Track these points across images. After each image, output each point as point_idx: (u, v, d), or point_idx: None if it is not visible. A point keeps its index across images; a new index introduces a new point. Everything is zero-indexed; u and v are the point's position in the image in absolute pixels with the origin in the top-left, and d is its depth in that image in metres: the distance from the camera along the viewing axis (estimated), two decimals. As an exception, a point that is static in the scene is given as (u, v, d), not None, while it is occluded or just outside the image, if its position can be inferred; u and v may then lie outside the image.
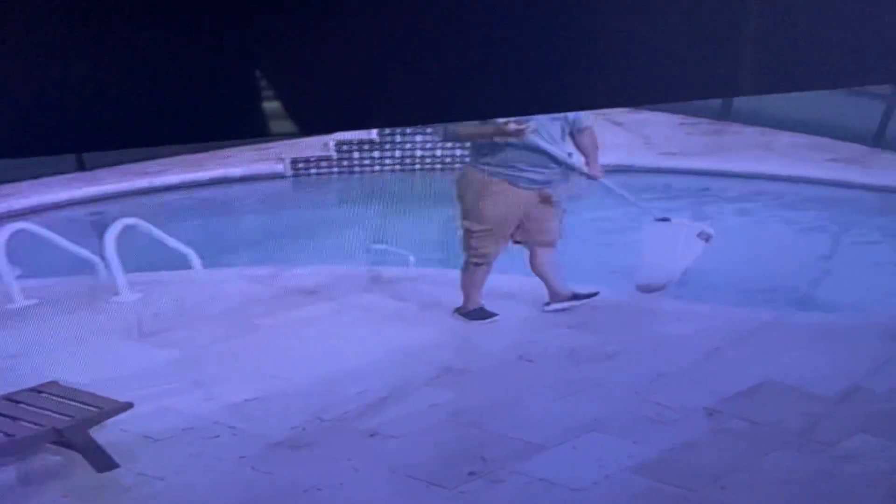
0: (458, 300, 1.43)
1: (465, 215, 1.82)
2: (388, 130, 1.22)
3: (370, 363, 1.45)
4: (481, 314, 1.83)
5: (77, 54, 0.94)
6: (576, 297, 1.88)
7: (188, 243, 1.37)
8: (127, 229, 1.40)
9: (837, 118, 1.61)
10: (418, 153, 1.23)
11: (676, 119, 1.48)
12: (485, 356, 1.54)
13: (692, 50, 1.32)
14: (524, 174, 1.78)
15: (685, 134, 1.50)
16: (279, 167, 1.19)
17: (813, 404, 1.80)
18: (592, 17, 1.19)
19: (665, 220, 1.66)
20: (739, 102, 1.57)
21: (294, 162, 1.17)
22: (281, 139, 1.02)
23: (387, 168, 1.23)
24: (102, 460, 1.42)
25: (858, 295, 1.78)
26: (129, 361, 1.47)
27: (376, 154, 1.20)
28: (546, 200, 1.90)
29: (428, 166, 1.27)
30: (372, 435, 1.44)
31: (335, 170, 1.21)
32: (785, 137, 1.61)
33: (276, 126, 1.08)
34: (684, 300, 1.62)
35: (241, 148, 1.16)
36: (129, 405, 1.44)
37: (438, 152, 1.24)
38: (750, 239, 1.66)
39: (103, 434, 1.44)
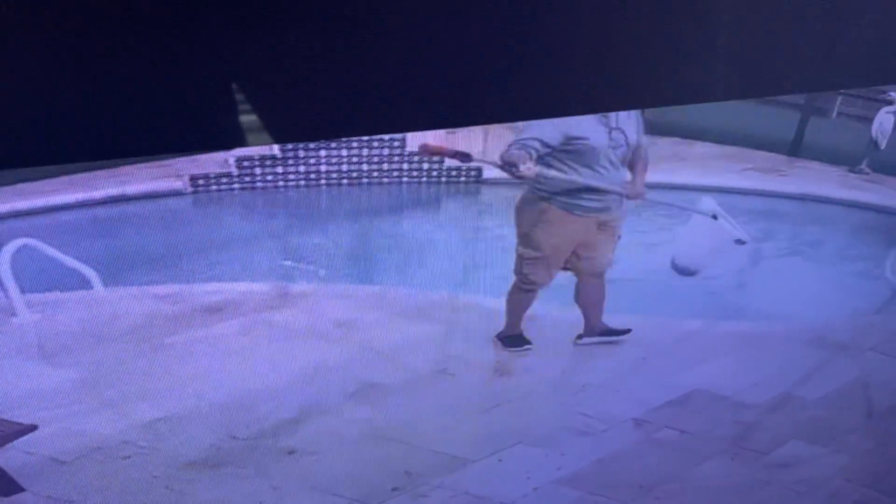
0: (370, 316, 1.43)
1: (520, 241, 1.79)
2: (290, 146, 1.23)
3: (284, 380, 1.45)
4: (519, 341, 1.83)
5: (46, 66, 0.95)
6: (609, 332, 1.88)
7: (87, 262, 1.37)
8: (23, 249, 1.39)
9: (751, 128, 1.65)
10: (323, 168, 1.24)
11: None
12: (404, 371, 1.54)
13: (667, 57, 1.34)
14: (579, 201, 1.77)
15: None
16: (178, 184, 1.19)
17: (744, 413, 1.81)
18: (579, 24, 1.23)
19: (713, 217, 1.72)
20: (649, 113, 1.60)
21: (193, 179, 1.18)
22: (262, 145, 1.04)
23: (291, 184, 1.24)
24: (6, 484, 1.40)
25: (783, 303, 1.80)
26: (31, 383, 1.45)
27: (279, 169, 1.21)
28: (603, 227, 1.88)
29: (334, 181, 1.27)
30: (290, 452, 1.44)
31: (236, 186, 1.21)
32: (697, 147, 1.65)
33: (261, 136, 1.09)
34: (605, 310, 1.63)
35: (138, 165, 1.16)
36: (34, 427, 1.42)
37: (344, 167, 1.25)
38: (668, 249, 1.68)
39: (7, 458, 1.42)
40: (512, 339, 1.87)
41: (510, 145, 1.80)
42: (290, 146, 1.19)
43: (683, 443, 1.77)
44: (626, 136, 1.82)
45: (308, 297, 1.39)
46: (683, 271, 1.78)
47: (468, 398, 1.57)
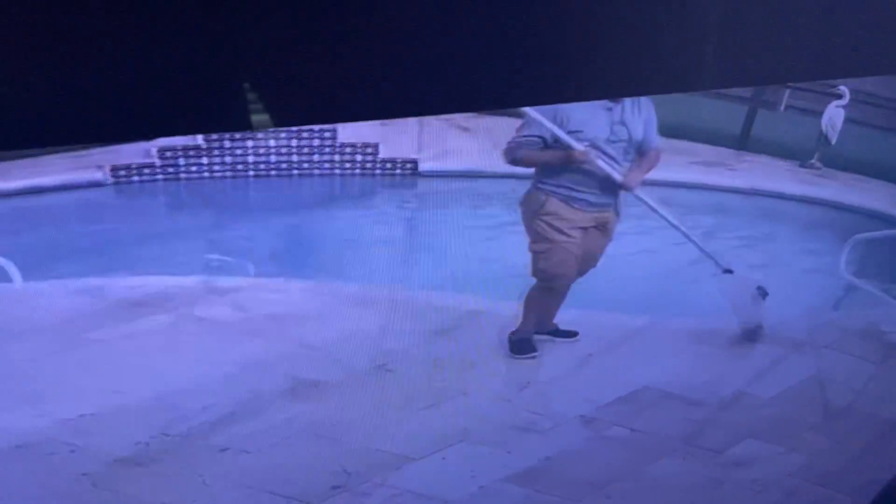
0: (303, 310, 1.40)
1: (530, 238, 1.78)
2: (215, 136, 1.20)
3: (215, 376, 1.41)
4: (526, 347, 1.79)
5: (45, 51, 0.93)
6: (558, 333, 1.86)
7: (5, 255, 1.33)
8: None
9: (696, 121, 1.63)
10: (251, 159, 1.21)
11: (520, 123, 1.50)
12: (340, 367, 1.51)
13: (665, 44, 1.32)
14: (579, 195, 1.76)
15: (531, 139, 1.53)
16: (98, 175, 1.16)
17: (696, 411, 1.79)
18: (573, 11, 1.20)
19: (729, 272, 1.72)
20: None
21: (115, 169, 1.15)
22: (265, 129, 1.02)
23: (217, 175, 1.21)
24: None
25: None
26: (-53, 380, 1.42)
27: (204, 160, 1.18)
28: (600, 227, 1.84)
29: (262, 173, 1.24)
30: (223, 450, 1.41)
31: (160, 177, 1.18)
32: (634, 141, 1.63)
33: (265, 119, 1.07)
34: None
35: (54, 156, 1.13)
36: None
37: (273, 158, 1.22)
38: (615, 244, 1.65)
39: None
40: (520, 343, 1.83)
41: (512, 144, 1.78)
42: (214, 136, 1.16)
43: (634, 441, 1.75)
44: (629, 131, 1.80)
45: (237, 292, 1.36)
46: (753, 332, 1.77)
47: (408, 395, 1.54)
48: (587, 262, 1.90)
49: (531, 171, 1.54)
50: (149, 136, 1.04)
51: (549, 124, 1.74)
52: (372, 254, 1.35)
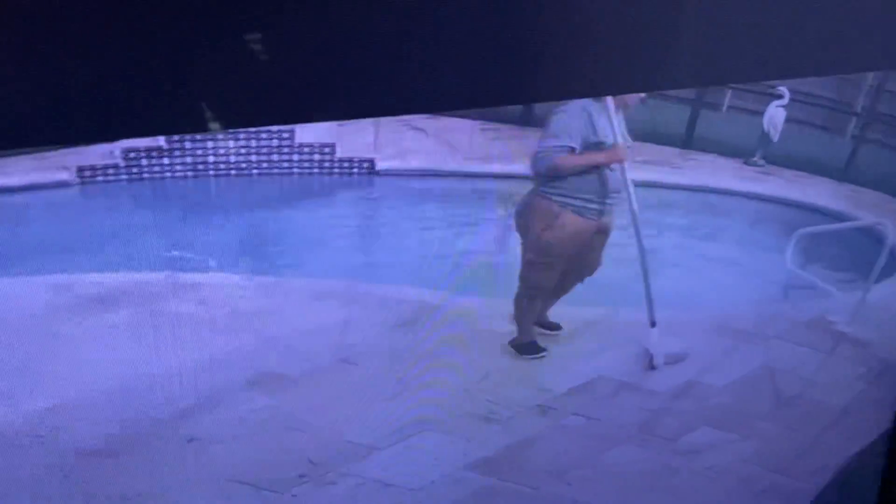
0: (266, 306, 1.44)
1: (529, 247, 1.77)
2: (176, 137, 1.24)
3: (181, 369, 1.45)
4: (534, 349, 1.82)
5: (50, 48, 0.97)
6: (550, 326, 1.85)
7: (-31, 252, 1.37)
8: None
9: (640, 122, 1.69)
10: (211, 159, 1.25)
11: (477, 124, 1.53)
12: (303, 360, 1.55)
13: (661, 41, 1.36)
14: (591, 204, 1.77)
15: (488, 139, 1.56)
16: (63, 175, 1.19)
17: (650, 399, 1.85)
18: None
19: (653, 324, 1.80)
20: (540, 108, 1.63)
21: (80, 170, 1.17)
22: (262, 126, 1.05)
23: (178, 175, 1.24)
24: None
25: (683, 291, 1.84)
26: None
27: (166, 161, 1.21)
28: (602, 231, 1.84)
29: (223, 172, 1.28)
30: (190, 440, 1.45)
31: (124, 177, 1.21)
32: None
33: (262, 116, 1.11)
34: (502, 297, 1.66)
35: (18, 157, 1.15)
36: None
37: (232, 158, 1.26)
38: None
39: None
40: (527, 346, 1.84)
41: (542, 153, 1.73)
42: (175, 137, 1.21)
43: (590, 429, 1.80)
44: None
45: (201, 288, 1.40)
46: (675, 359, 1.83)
47: (371, 387, 1.59)
48: (585, 266, 1.88)
49: (491, 169, 1.58)
50: (131, 135, 1.09)
51: (573, 134, 1.72)
52: (332, 250, 1.40)
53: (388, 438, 1.59)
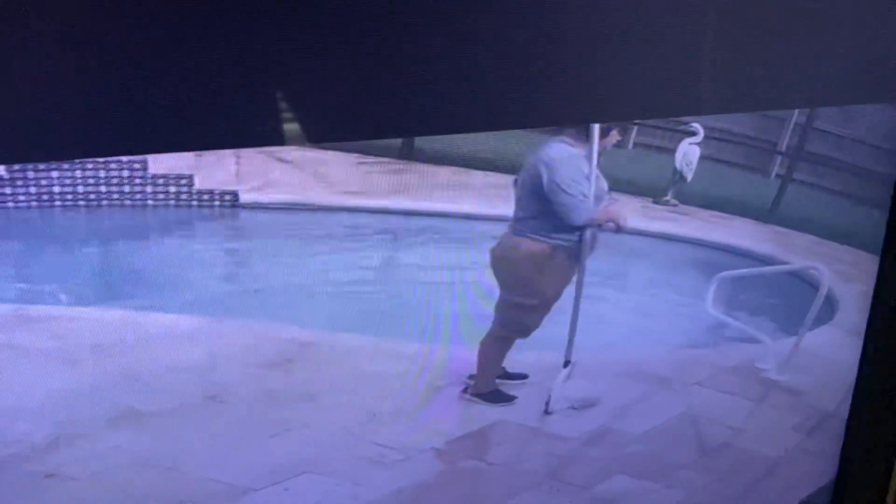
0: (124, 340, 1.38)
1: (515, 290, 1.74)
2: (17, 167, 1.19)
3: (33, 405, 1.40)
4: (503, 397, 1.78)
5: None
6: (508, 376, 1.81)
7: None
8: None
9: (521, 158, 1.63)
10: (56, 189, 1.21)
11: (352, 158, 1.47)
12: (168, 398, 1.49)
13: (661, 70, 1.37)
14: (579, 245, 1.74)
15: (365, 173, 1.50)
16: None
17: (558, 445, 1.77)
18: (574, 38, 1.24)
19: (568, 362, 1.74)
20: (422, 142, 1.58)
21: None
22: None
23: (22, 205, 1.19)
24: None
25: (596, 333, 1.76)
26: None
27: (7, 190, 1.17)
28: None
29: (69, 202, 1.24)
30: (49, 476, 1.40)
31: None
32: (479, 177, 1.62)
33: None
34: (393, 338, 1.59)
35: None
36: None
37: (80, 188, 1.22)
38: (464, 280, 1.64)
39: None
40: (495, 395, 1.79)
41: (565, 210, 1.71)
42: (17, 167, 1.17)
43: (492, 474, 1.73)
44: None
45: (51, 321, 1.36)
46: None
47: (243, 426, 1.54)
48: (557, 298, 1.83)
49: (369, 203, 1.53)
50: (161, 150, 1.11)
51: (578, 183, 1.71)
52: (194, 285, 1.35)
53: (265, 479, 1.53)
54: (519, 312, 1.79)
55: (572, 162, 1.66)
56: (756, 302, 1.89)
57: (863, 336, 1.86)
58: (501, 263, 1.74)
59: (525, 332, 1.77)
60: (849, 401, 1.94)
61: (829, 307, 1.92)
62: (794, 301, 1.91)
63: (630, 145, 1.62)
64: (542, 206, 1.69)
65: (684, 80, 1.37)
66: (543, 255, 1.76)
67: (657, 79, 1.34)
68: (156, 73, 1.01)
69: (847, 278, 1.89)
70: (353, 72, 1.13)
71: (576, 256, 1.68)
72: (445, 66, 1.19)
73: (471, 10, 1.18)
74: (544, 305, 1.78)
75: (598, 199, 1.64)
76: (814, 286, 1.88)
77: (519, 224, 1.71)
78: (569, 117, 1.44)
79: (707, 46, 1.37)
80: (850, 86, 1.54)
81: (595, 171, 1.62)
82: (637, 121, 1.61)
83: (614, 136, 1.63)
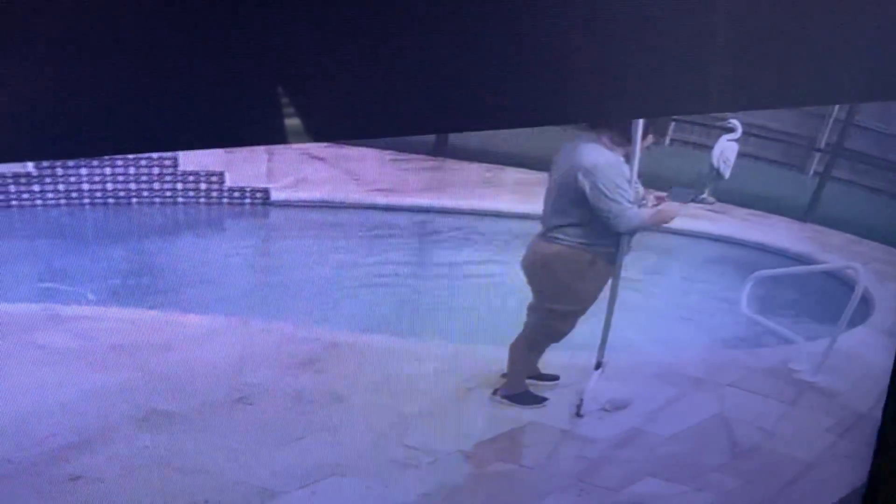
0: (152, 341, 1.35)
1: (551, 297, 1.72)
2: (46, 163, 1.17)
3: (60, 405, 1.38)
4: (535, 399, 1.76)
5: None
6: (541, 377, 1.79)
7: None
8: None
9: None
10: (85, 187, 1.18)
11: (387, 155, 1.43)
12: (196, 399, 1.46)
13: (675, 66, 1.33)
14: (614, 249, 1.71)
15: (398, 170, 1.46)
16: None
17: (588, 447, 1.74)
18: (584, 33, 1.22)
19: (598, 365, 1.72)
20: (455, 139, 1.54)
21: None
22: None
23: (50, 202, 1.17)
24: None
25: (629, 334, 1.72)
26: None
27: (36, 188, 1.14)
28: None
29: (99, 201, 1.21)
30: (74, 479, 1.38)
31: None
32: (511, 173, 1.58)
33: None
34: (423, 338, 1.56)
35: None
36: None
37: (109, 186, 1.19)
38: (494, 279, 1.61)
39: None
40: (525, 396, 1.77)
41: (616, 217, 1.67)
42: (45, 163, 1.14)
43: (521, 476, 1.70)
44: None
45: (79, 321, 1.33)
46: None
47: (271, 428, 1.51)
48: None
49: (403, 202, 1.49)
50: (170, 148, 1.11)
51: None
52: (224, 284, 1.32)
53: (293, 482, 1.51)
54: (554, 318, 1.75)
55: (614, 167, 1.61)
56: (791, 302, 1.85)
57: (898, 336, 1.83)
58: (537, 271, 1.71)
59: (559, 337, 1.74)
60: (882, 403, 1.90)
61: (865, 307, 1.88)
62: (829, 301, 1.87)
63: (667, 141, 1.58)
64: (584, 214, 1.65)
65: (720, 74, 1.33)
66: (584, 262, 1.72)
67: (693, 73, 1.30)
68: (185, 68, 0.99)
69: (884, 277, 1.85)
70: (385, 67, 1.10)
71: (613, 260, 1.65)
72: (478, 62, 1.16)
73: (505, 4, 1.15)
74: (581, 311, 1.74)
75: (637, 202, 1.60)
76: (849, 286, 1.84)
77: (556, 231, 1.68)
78: (602, 113, 1.40)
79: (744, 40, 1.33)
80: (891, 81, 1.49)
81: (635, 175, 1.59)
82: (674, 117, 1.57)
83: (650, 139, 1.58)
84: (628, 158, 1.60)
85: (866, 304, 1.88)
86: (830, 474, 1.96)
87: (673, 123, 1.58)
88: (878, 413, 1.91)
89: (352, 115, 1.14)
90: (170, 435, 1.46)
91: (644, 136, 1.57)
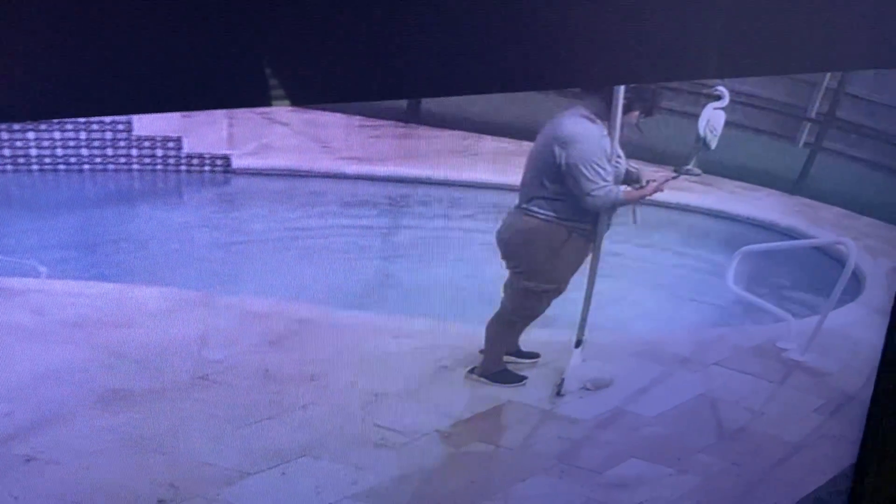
0: (108, 316, 1.29)
1: (525, 275, 1.64)
2: None
3: (12, 384, 1.32)
4: (514, 377, 1.70)
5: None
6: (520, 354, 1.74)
7: None
8: None
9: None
10: (33, 152, 1.11)
11: (355, 120, 1.36)
12: (158, 377, 1.41)
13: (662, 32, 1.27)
14: (594, 226, 1.64)
15: (368, 137, 1.39)
16: None
17: (570, 428, 1.70)
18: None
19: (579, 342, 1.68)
20: (429, 104, 1.47)
21: None
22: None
23: None
24: None
25: (612, 311, 1.67)
26: None
27: None
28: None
29: (48, 167, 1.14)
30: (28, 460, 1.32)
31: None
32: (489, 142, 1.51)
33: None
34: (398, 314, 1.50)
35: None
36: None
37: (59, 151, 1.13)
38: (468, 251, 1.55)
39: None
40: (503, 374, 1.72)
41: (602, 193, 1.61)
42: None
43: (500, 457, 1.65)
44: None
45: (30, 294, 1.27)
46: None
47: (237, 408, 1.45)
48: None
49: (373, 171, 1.43)
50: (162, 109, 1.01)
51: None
52: (183, 256, 1.25)
53: (261, 463, 1.45)
54: (529, 297, 1.70)
55: (593, 140, 1.54)
56: (779, 278, 1.80)
57: (889, 315, 1.78)
58: (511, 246, 1.65)
59: (534, 316, 1.68)
60: (872, 383, 1.86)
61: (856, 284, 1.83)
62: (818, 277, 1.82)
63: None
64: (558, 188, 1.58)
65: (709, 38, 1.27)
66: (559, 238, 1.66)
67: (679, 37, 1.24)
68: (138, 26, 0.92)
69: (876, 253, 1.80)
70: (353, 27, 1.04)
71: (591, 237, 1.59)
72: (453, 22, 1.10)
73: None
74: (556, 291, 1.68)
75: (617, 179, 1.54)
76: (840, 262, 1.79)
77: (531, 203, 1.62)
78: (585, 79, 1.34)
79: (731, 3, 1.27)
80: (887, 48, 1.44)
81: (617, 150, 1.52)
82: (658, 83, 1.51)
83: (635, 115, 1.52)
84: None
85: (857, 280, 1.83)
86: (819, 455, 1.92)
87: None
88: (868, 393, 1.86)
89: (320, 77, 1.08)
90: (129, 415, 1.40)
91: (627, 111, 1.50)
